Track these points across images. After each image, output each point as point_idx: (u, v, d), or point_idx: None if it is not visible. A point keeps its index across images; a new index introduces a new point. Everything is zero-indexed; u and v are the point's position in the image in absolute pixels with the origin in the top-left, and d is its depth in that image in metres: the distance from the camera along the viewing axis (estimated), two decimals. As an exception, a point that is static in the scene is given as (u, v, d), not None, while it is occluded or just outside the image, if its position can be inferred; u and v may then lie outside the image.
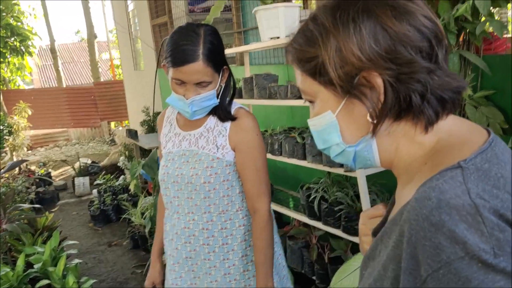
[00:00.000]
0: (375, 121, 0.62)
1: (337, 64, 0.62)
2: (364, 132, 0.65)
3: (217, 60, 1.43)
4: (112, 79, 13.33)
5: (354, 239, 2.39)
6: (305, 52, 0.66)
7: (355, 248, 2.63)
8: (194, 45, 1.37)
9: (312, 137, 2.63)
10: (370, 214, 0.82)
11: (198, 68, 1.37)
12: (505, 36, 1.89)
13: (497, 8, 2.32)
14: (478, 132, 0.63)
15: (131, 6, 7.59)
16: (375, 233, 0.73)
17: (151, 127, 6.22)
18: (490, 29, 1.88)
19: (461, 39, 1.97)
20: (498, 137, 0.62)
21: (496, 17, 1.88)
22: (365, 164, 0.69)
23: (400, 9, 0.61)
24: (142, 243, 4.20)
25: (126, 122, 10.91)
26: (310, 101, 0.70)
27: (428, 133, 0.63)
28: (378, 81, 0.60)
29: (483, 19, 1.84)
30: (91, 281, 2.92)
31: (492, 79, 1.93)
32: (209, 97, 1.44)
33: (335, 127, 0.66)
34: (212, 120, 1.53)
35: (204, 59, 1.37)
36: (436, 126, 0.63)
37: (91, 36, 12.94)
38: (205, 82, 1.41)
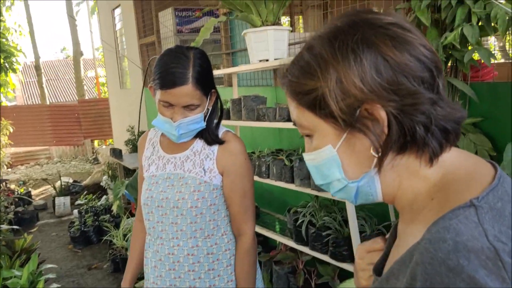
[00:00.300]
0: (379, 155, 0.60)
1: (338, 96, 0.59)
2: (367, 167, 0.62)
3: (206, 83, 1.41)
4: (98, 96, 13.24)
5: (342, 265, 2.35)
6: (303, 84, 0.63)
7: (342, 275, 2.59)
8: (183, 68, 1.35)
9: (300, 159, 2.61)
10: (368, 247, 0.78)
11: (187, 91, 1.35)
12: (492, 64, 1.92)
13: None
14: (483, 166, 0.61)
15: (118, 25, 7.58)
16: (376, 270, 0.70)
17: (136, 146, 6.14)
18: (477, 57, 1.90)
19: (448, 66, 1.99)
20: (504, 172, 0.61)
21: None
22: (366, 199, 0.66)
23: (399, 39, 0.59)
24: (123, 266, 4.07)
25: (111, 140, 10.78)
26: (308, 135, 0.67)
27: (433, 167, 0.61)
28: (382, 114, 0.58)
29: (470, 47, 1.86)
30: (70, 307, 2.81)
31: (480, 106, 1.94)
32: (196, 120, 1.42)
33: (336, 162, 0.63)
34: (199, 143, 1.51)
35: (194, 82, 1.36)
36: (440, 159, 0.61)
37: (77, 53, 12.88)
38: (193, 105, 1.39)
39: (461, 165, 0.61)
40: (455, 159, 0.62)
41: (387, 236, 0.78)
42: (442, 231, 0.51)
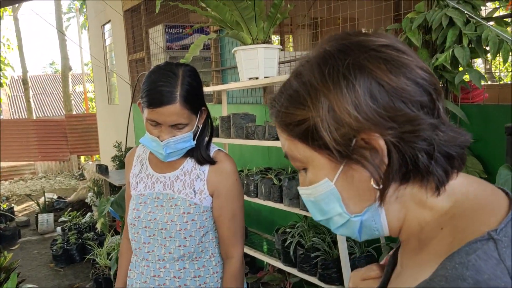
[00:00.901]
0: (380, 187, 0.56)
1: (332, 126, 0.55)
2: (369, 200, 0.58)
3: (195, 102, 1.37)
4: (85, 112, 13.14)
5: (331, 287, 2.30)
6: (292, 114, 0.59)
7: (331, 297, 2.53)
8: (171, 86, 1.31)
9: (289, 179, 2.58)
10: (363, 275, 0.74)
11: (175, 110, 1.31)
12: (482, 86, 1.92)
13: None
14: (496, 193, 0.57)
15: (108, 40, 7.56)
16: None
17: (123, 163, 6.06)
18: (468, 78, 1.91)
19: (439, 87, 1.99)
20: None
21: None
22: (371, 235, 0.61)
23: (394, 62, 0.55)
24: (106, 286, 3.97)
25: (97, 156, 10.65)
26: (304, 169, 0.62)
27: (440, 196, 0.57)
28: (381, 143, 0.54)
29: (461, 69, 1.86)
30: (48, 330, 2.70)
31: (470, 128, 1.93)
32: (184, 139, 1.37)
33: (335, 196, 0.59)
34: (190, 163, 1.47)
35: (181, 101, 1.32)
36: (449, 187, 0.57)
37: (66, 68, 12.82)
38: (181, 124, 1.35)
39: (473, 193, 0.57)
40: (466, 187, 0.58)
41: (382, 262, 0.74)
42: (459, 267, 0.47)
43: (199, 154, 1.45)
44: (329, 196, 0.59)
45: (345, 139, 0.55)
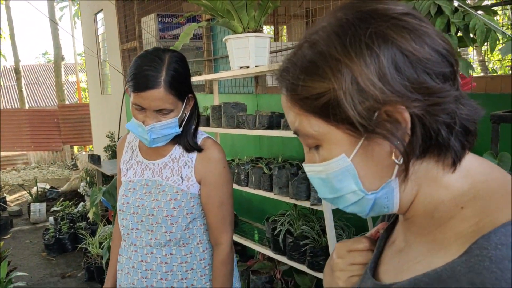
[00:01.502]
0: (400, 162, 0.54)
1: (355, 99, 0.52)
2: (387, 176, 0.56)
3: (181, 88, 1.37)
4: (78, 102, 13.06)
5: (319, 275, 2.32)
6: (310, 88, 0.55)
7: (319, 285, 2.56)
8: (156, 71, 1.31)
9: (279, 168, 2.59)
10: (349, 247, 0.72)
11: (159, 95, 1.31)
12: (470, 75, 1.93)
13: (461, 48, 2.37)
14: (509, 178, 0.56)
15: (101, 30, 7.50)
16: (370, 271, 0.65)
17: (115, 152, 6.04)
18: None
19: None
20: None
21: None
22: (380, 212, 0.59)
23: (416, 31, 0.53)
24: (98, 274, 3.98)
25: (90, 146, 10.62)
26: (316, 146, 0.59)
27: (456, 174, 0.56)
28: (406, 116, 0.52)
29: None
30: (39, 317, 2.71)
31: (458, 116, 1.94)
32: (169, 125, 1.37)
33: (352, 173, 0.56)
34: (178, 150, 1.47)
35: (166, 86, 1.31)
36: (463, 167, 0.56)
37: (58, 57, 12.71)
38: (166, 109, 1.35)
39: (490, 175, 0.56)
40: (481, 168, 0.57)
41: (368, 234, 0.73)
42: (504, 249, 0.46)
43: (186, 141, 1.45)
44: (344, 173, 0.56)
45: (369, 112, 0.52)
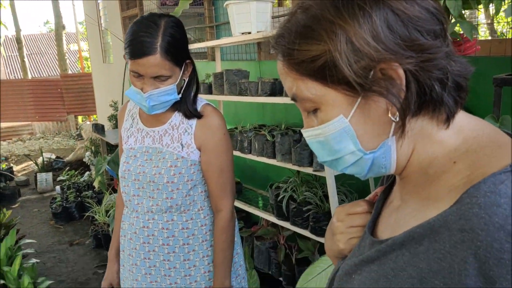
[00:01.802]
0: (397, 119, 0.56)
1: (351, 58, 0.54)
2: (384, 134, 0.57)
3: (178, 54, 1.35)
4: (81, 71, 12.99)
5: (322, 240, 2.35)
6: (306, 51, 0.56)
7: (322, 249, 2.60)
8: (152, 37, 1.29)
9: (282, 135, 2.59)
10: (349, 210, 0.74)
11: (155, 61, 1.30)
12: (474, 38, 1.89)
13: (467, 11, 2.31)
14: (502, 134, 0.58)
15: (101, -3, 7.37)
16: (369, 230, 0.67)
17: (119, 122, 6.06)
18: (460, 31, 1.87)
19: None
20: None
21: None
22: (378, 172, 0.61)
23: None
24: (105, 242, 4.06)
25: (95, 116, 10.62)
26: (314, 110, 0.60)
27: (449, 130, 0.58)
28: (400, 72, 0.54)
29: (453, 20, 1.82)
30: (48, 282, 2.79)
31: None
32: (168, 91, 1.37)
33: (349, 133, 0.58)
34: (177, 117, 1.47)
35: (162, 52, 1.30)
36: (456, 123, 0.58)
37: (59, 26, 12.55)
38: (163, 76, 1.34)
39: (482, 131, 0.58)
40: (473, 125, 0.59)
41: (367, 198, 0.74)
42: (491, 196, 0.48)
43: (186, 107, 1.44)
44: (342, 133, 0.58)
45: (365, 70, 0.54)
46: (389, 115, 0.56)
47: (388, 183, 0.73)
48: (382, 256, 0.59)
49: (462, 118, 0.59)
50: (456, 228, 0.49)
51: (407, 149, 0.59)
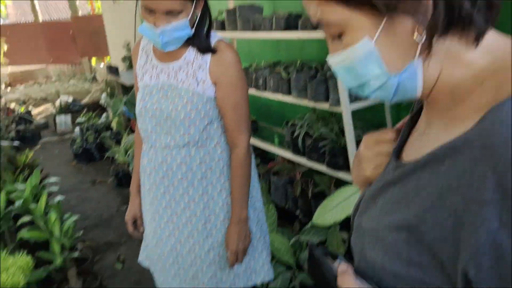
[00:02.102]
0: (423, 39, 0.54)
1: None
2: (410, 56, 0.55)
3: None
4: (91, 13, 12.76)
5: (338, 174, 2.38)
6: None
7: (338, 184, 2.64)
8: None
9: (297, 71, 2.55)
10: (377, 138, 0.73)
11: None
12: None
13: None
14: None
15: None
16: (395, 154, 0.67)
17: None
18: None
19: None
20: None
21: None
22: (404, 96, 0.59)
23: None
24: (126, 181, 4.18)
25: (108, 58, 10.56)
26: (339, 35, 0.59)
27: (478, 50, 0.55)
28: None
29: None
30: (74, 218, 2.92)
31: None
32: (180, 27, 1.35)
33: (374, 56, 0.56)
34: (191, 52, 1.45)
35: None
36: (485, 43, 0.55)
37: (67, -34, 12.19)
38: (175, 10, 1.31)
39: (511, 50, 0.55)
40: (502, 44, 0.56)
41: (397, 126, 0.74)
42: None
43: (199, 42, 1.42)
44: (367, 56, 0.56)
45: None
46: (415, 36, 0.54)
47: (416, 109, 0.72)
48: (404, 178, 0.60)
49: (491, 37, 0.57)
50: (477, 146, 0.49)
51: (434, 71, 0.57)
